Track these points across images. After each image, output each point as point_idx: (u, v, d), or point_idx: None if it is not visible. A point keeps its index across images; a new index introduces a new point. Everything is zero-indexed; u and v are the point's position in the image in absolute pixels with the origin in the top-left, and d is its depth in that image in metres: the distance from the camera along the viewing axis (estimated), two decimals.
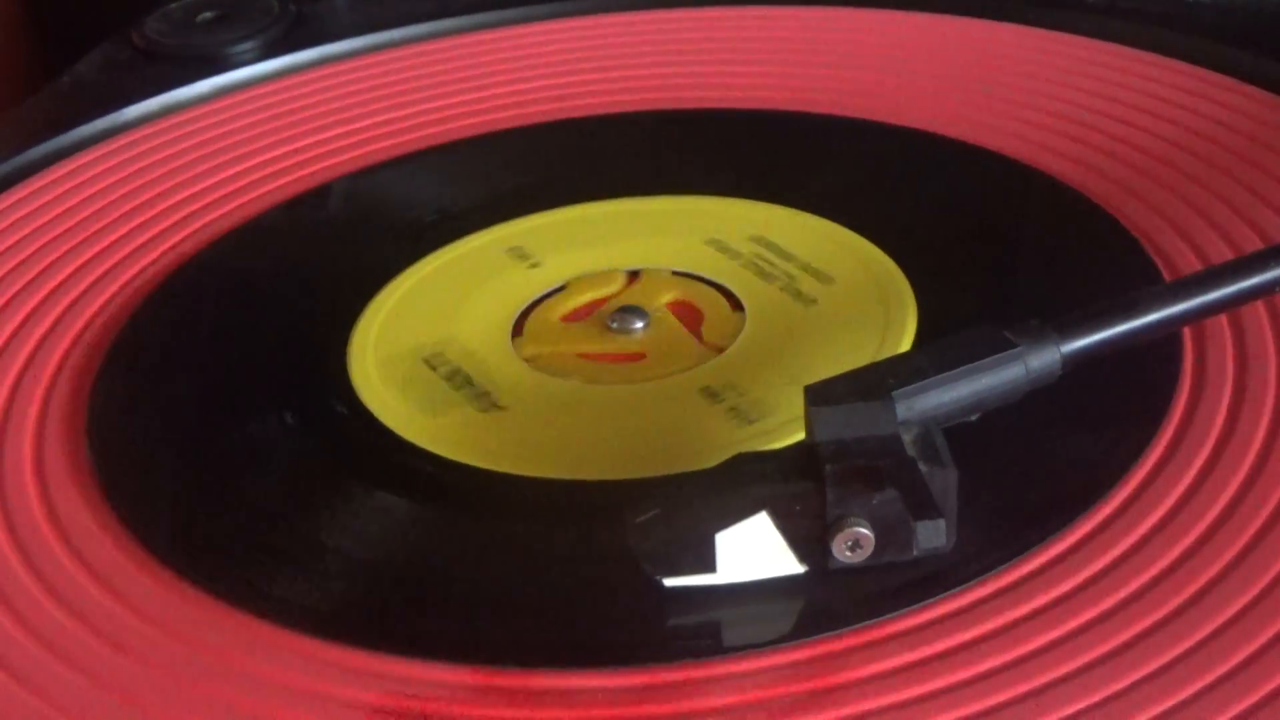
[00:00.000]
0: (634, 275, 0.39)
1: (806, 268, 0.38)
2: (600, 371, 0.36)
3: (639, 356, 0.36)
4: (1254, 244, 0.38)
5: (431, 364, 0.36)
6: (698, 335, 0.37)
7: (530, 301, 0.38)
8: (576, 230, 0.41)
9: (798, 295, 0.37)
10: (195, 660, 0.29)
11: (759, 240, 0.39)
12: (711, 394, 0.34)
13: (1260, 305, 0.35)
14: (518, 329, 0.37)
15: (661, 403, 0.34)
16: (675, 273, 0.39)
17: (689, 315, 0.38)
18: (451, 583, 0.30)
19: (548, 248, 0.40)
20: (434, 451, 0.33)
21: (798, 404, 0.29)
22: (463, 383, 0.36)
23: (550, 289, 0.39)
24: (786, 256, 0.39)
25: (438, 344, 0.37)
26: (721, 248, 0.39)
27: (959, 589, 0.29)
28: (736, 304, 0.38)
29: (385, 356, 0.37)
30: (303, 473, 0.34)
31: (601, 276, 0.39)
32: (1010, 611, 0.28)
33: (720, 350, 0.36)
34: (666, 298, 0.38)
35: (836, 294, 0.37)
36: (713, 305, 0.38)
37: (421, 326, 0.38)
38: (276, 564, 0.31)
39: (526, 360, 0.36)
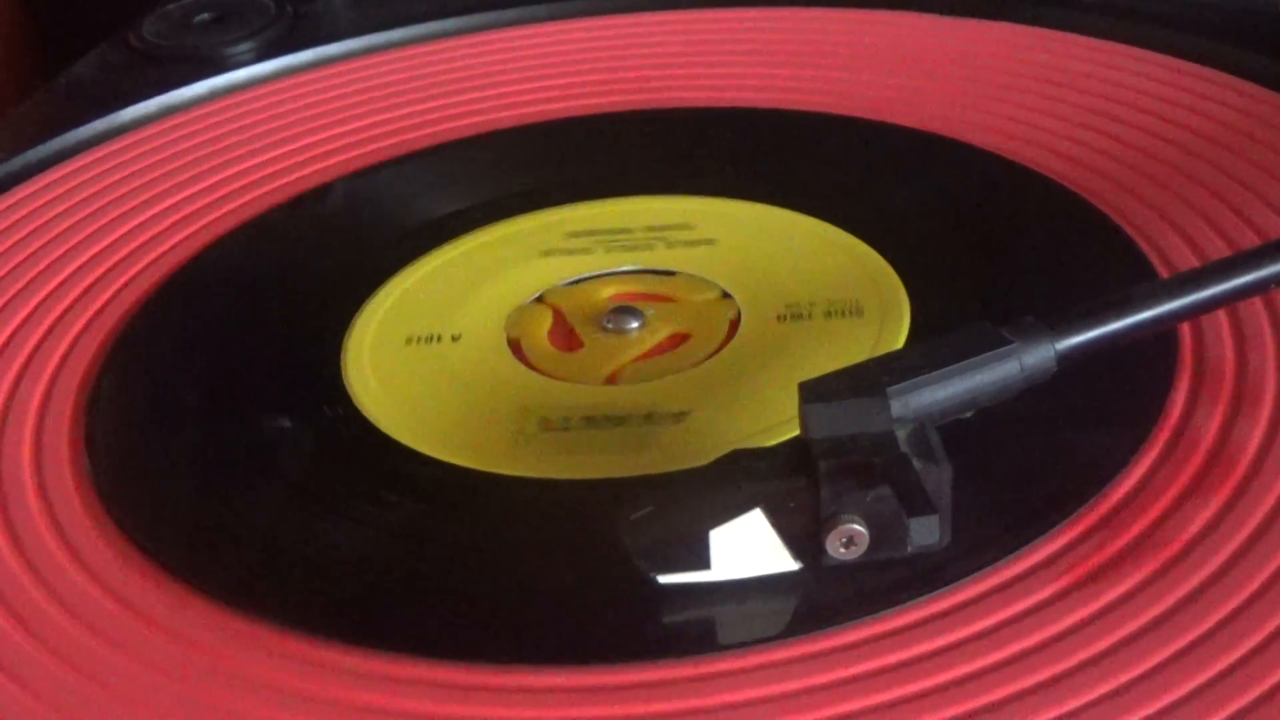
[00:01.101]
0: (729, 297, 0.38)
1: (799, 267, 0.38)
2: (541, 355, 0.36)
3: (579, 345, 0.37)
4: (1250, 240, 0.38)
5: (429, 366, 0.36)
6: (674, 352, 0.37)
7: (529, 299, 0.38)
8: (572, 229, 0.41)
9: (792, 294, 0.37)
10: (191, 661, 0.29)
11: (750, 239, 0.39)
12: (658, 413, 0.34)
13: (1259, 301, 0.35)
14: (511, 337, 0.37)
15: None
16: (726, 294, 0.38)
17: (674, 341, 0.37)
18: (446, 583, 0.30)
19: (541, 249, 0.40)
20: (429, 454, 0.33)
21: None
22: (461, 385, 0.36)
23: (546, 289, 0.39)
24: (778, 256, 0.39)
25: (435, 346, 0.37)
26: (759, 268, 0.39)
27: (954, 586, 0.29)
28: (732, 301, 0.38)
29: (384, 360, 0.37)
30: (299, 475, 0.34)
31: (703, 284, 0.39)
32: (1005, 609, 0.28)
33: (692, 368, 0.36)
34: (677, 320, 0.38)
35: (831, 292, 0.37)
36: (714, 322, 0.37)
37: (418, 328, 0.38)
38: (273, 565, 0.31)
39: (529, 366, 0.36)
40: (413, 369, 0.36)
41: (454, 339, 0.37)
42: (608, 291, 0.39)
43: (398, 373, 0.36)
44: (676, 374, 0.35)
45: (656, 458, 0.32)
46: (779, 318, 0.37)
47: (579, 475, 0.32)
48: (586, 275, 0.39)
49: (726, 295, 0.38)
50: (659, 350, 0.37)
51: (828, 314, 0.37)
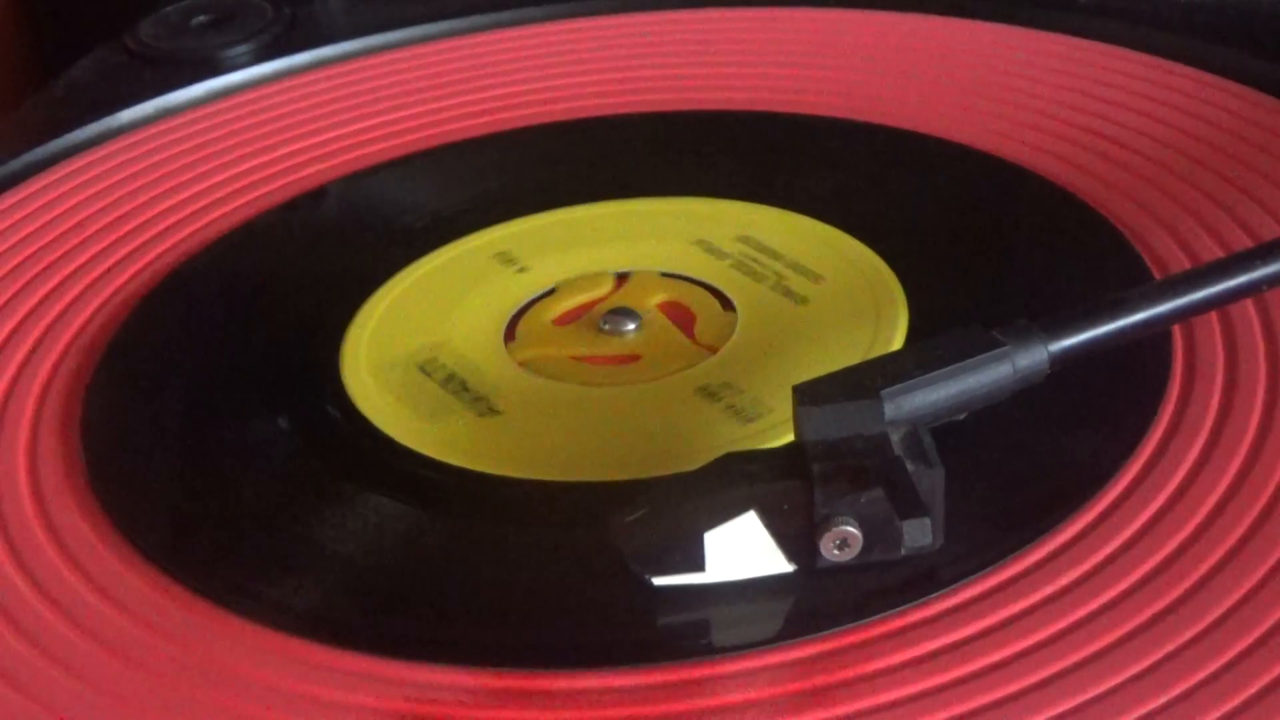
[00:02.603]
0: (623, 277, 0.39)
1: (795, 266, 0.38)
2: (595, 374, 0.36)
3: (634, 358, 0.36)
4: (1243, 242, 0.38)
5: (427, 370, 0.36)
6: (690, 335, 0.37)
7: (521, 305, 0.38)
8: (564, 233, 0.41)
9: (788, 293, 0.37)
10: (190, 664, 0.29)
11: (746, 240, 0.40)
12: (709, 393, 0.34)
13: (1250, 303, 0.35)
14: (510, 333, 0.37)
15: (659, 403, 0.34)
16: (664, 274, 0.39)
17: (680, 316, 0.38)
18: (445, 585, 0.30)
19: (535, 251, 0.40)
20: (427, 454, 0.33)
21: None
22: (458, 388, 0.36)
23: (539, 293, 0.39)
24: (775, 255, 0.39)
25: (431, 349, 0.37)
26: (709, 248, 0.40)
27: (949, 589, 0.29)
28: (727, 304, 0.38)
29: (380, 363, 0.37)
30: (296, 476, 0.34)
31: (590, 279, 0.39)
32: (1001, 611, 0.28)
33: (714, 350, 0.36)
34: (657, 299, 0.38)
35: (827, 292, 0.37)
36: (704, 305, 0.38)
37: (414, 331, 0.38)
38: (270, 568, 0.31)
39: (520, 364, 0.36)
40: (409, 367, 0.36)
41: (451, 337, 0.37)
42: (605, 292, 0.39)
43: (393, 371, 0.36)
44: (675, 375, 0.35)
45: (664, 459, 0.32)
46: (776, 316, 0.37)
47: (583, 478, 0.32)
48: (582, 275, 0.39)
49: (721, 296, 0.38)
50: (685, 324, 0.37)
51: (823, 313, 0.37)
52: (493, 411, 0.35)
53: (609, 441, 0.33)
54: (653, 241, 0.40)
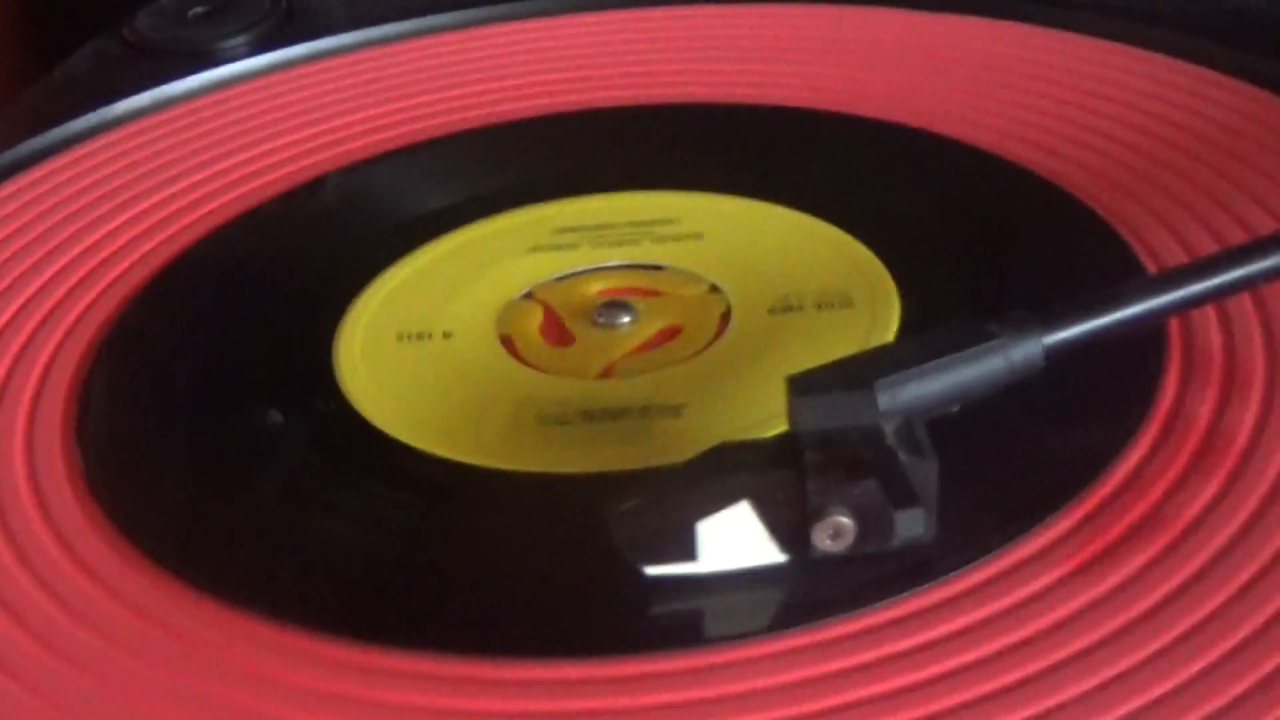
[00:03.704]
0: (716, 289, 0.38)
1: (821, 303, 0.37)
2: (534, 350, 0.36)
3: (571, 340, 0.37)
4: (1239, 237, 0.38)
5: (415, 328, 0.37)
6: (661, 347, 0.37)
7: (509, 303, 0.38)
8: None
9: (785, 323, 0.37)
10: (184, 655, 0.29)
11: (792, 266, 0.39)
12: (640, 407, 0.34)
13: (1246, 296, 0.35)
14: (503, 332, 0.37)
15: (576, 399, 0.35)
16: (714, 288, 0.38)
17: (671, 328, 0.37)
18: (438, 577, 0.30)
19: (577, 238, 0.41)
20: (419, 448, 0.33)
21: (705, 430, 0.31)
22: (428, 341, 0.36)
23: (520, 293, 0.39)
24: (801, 291, 0.38)
25: (434, 308, 0.38)
26: (754, 264, 0.39)
27: (943, 580, 0.29)
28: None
29: (372, 340, 0.37)
30: (292, 469, 0.34)
31: (691, 278, 0.39)
32: (995, 602, 0.28)
33: (676, 364, 0.36)
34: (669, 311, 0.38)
35: (820, 284, 0.37)
36: (703, 316, 0.37)
37: (415, 320, 0.38)
38: (266, 559, 0.31)
39: (523, 361, 0.36)
40: (405, 364, 0.36)
41: (446, 334, 0.37)
42: (596, 286, 0.39)
43: (390, 367, 0.36)
44: (671, 367, 0.35)
45: (653, 451, 0.32)
46: (769, 311, 0.37)
47: (575, 469, 0.32)
48: (575, 270, 0.39)
49: (715, 289, 0.38)
50: (651, 344, 0.37)
51: (818, 307, 0.37)
52: (488, 403, 0.35)
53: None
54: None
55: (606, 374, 0.36)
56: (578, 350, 0.37)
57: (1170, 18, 0.47)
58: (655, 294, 0.38)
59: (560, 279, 0.39)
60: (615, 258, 0.40)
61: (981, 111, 0.45)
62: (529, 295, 0.39)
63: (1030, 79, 0.46)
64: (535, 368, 0.36)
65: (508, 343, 0.37)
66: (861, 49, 0.48)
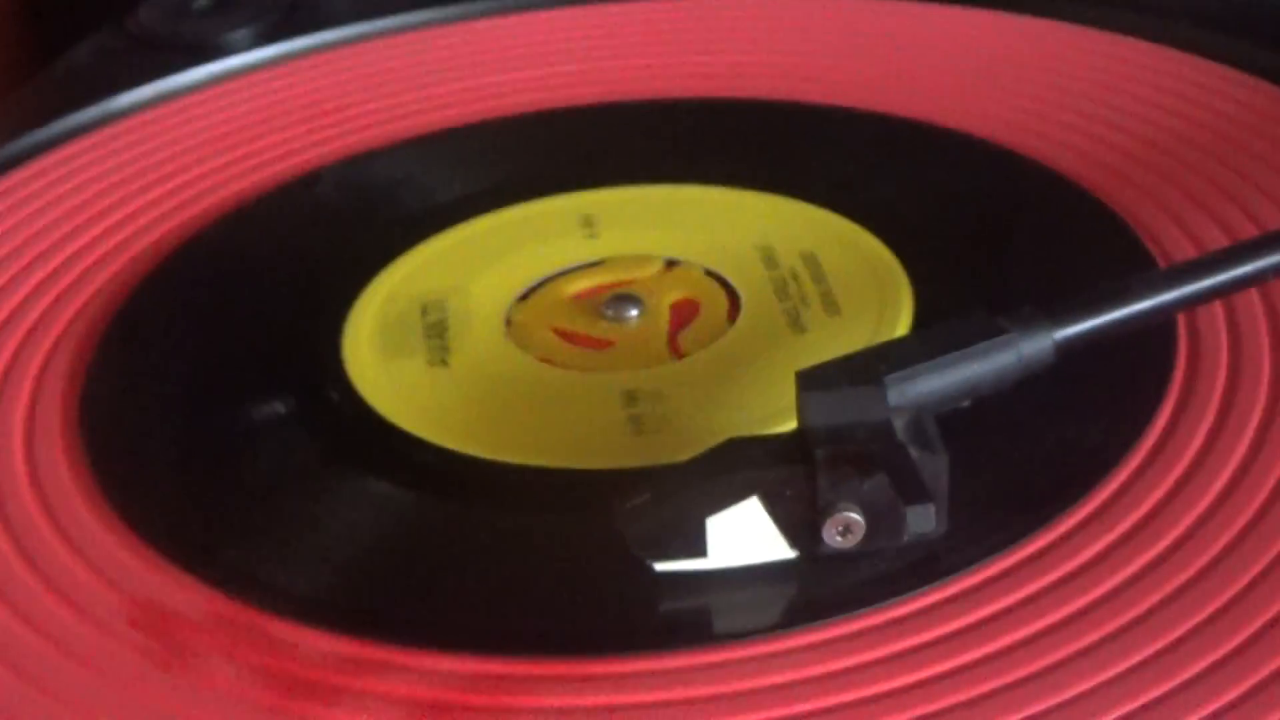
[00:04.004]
0: (671, 265, 0.39)
1: (826, 293, 0.37)
2: (560, 352, 0.36)
3: (606, 344, 0.36)
4: (1250, 232, 0.38)
5: (426, 310, 0.37)
6: (673, 338, 0.36)
7: (558, 271, 0.38)
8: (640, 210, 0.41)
9: (795, 322, 0.37)
10: (187, 646, 0.29)
11: (806, 258, 0.39)
12: (630, 398, 0.34)
13: (1254, 292, 0.35)
14: (526, 294, 0.38)
15: (580, 395, 0.34)
16: (707, 271, 0.39)
17: (682, 317, 0.37)
18: (445, 571, 0.30)
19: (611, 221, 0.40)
20: (426, 439, 0.33)
21: (702, 425, 0.31)
22: (435, 333, 0.36)
23: (585, 262, 0.39)
24: (818, 278, 0.38)
25: (445, 291, 0.37)
26: (768, 256, 0.39)
27: (954, 576, 0.29)
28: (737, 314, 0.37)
29: (391, 301, 0.37)
30: (298, 460, 0.34)
31: (639, 260, 0.39)
32: (1006, 597, 0.28)
33: (681, 357, 0.36)
34: (678, 294, 0.38)
35: (833, 327, 0.37)
36: (713, 311, 0.37)
37: (447, 274, 0.38)
38: (271, 552, 0.31)
39: (508, 324, 0.37)
40: (411, 356, 0.36)
41: (454, 325, 0.37)
42: (575, 287, 0.39)
43: (396, 360, 0.36)
44: (620, 372, 0.35)
45: (661, 447, 0.32)
46: (780, 306, 0.37)
47: (586, 464, 0.32)
48: (570, 266, 0.39)
49: (670, 263, 0.38)
50: (678, 323, 0.37)
51: (829, 301, 0.37)
52: (443, 364, 0.35)
53: (513, 420, 0.34)
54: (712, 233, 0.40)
55: (575, 364, 0.36)
56: (589, 341, 0.37)
57: (1183, 12, 0.47)
58: (684, 300, 0.38)
59: (616, 260, 0.39)
60: (621, 249, 0.40)
61: (993, 105, 0.45)
62: (579, 268, 0.39)
63: (1043, 73, 0.46)
64: (512, 338, 0.36)
65: (518, 334, 0.37)
66: (874, 42, 0.48)
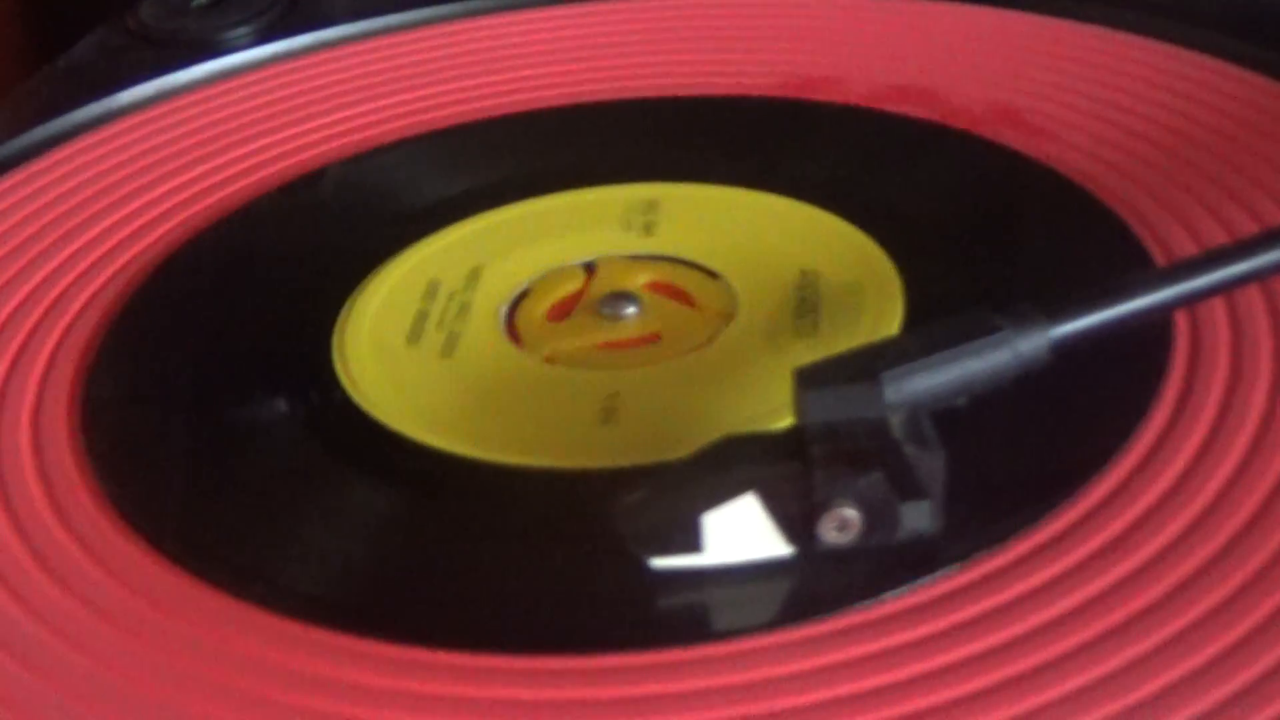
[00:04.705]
0: (590, 268, 0.39)
1: (821, 294, 0.37)
2: (558, 351, 0.36)
3: (602, 343, 0.36)
4: (1249, 228, 0.38)
5: (421, 310, 0.37)
6: (668, 337, 0.36)
7: (549, 270, 0.38)
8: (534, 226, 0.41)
9: (791, 320, 0.36)
10: (190, 641, 0.29)
11: (804, 266, 0.38)
12: (625, 397, 0.34)
13: (1256, 289, 0.35)
14: (515, 337, 0.37)
15: (576, 394, 0.34)
16: (633, 257, 0.39)
17: (679, 314, 0.37)
18: (439, 568, 0.30)
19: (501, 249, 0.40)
20: (425, 439, 0.33)
21: (699, 423, 0.31)
22: (434, 331, 0.36)
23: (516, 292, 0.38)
24: (814, 277, 0.38)
25: (443, 290, 0.38)
26: (763, 255, 0.39)
27: (950, 571, 0.29)
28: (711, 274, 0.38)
29: (376, 331, 0.37)
30: (295, 460, 0.34)
31: (559, 274, 0.39)
32: (1003, 594, 0.28)
33: (676, 356, 0.36)
34: (642, 279, 0.38)
35: (824, 275, 0.37)
36: (690, 278, 0.38)
37: (443, 273, 0.38)
38: (270, 549, 0.31)
39: (507, 322, 0.37)
40: (409, 356, 0.36)
41: (451, 325, 0.37)
42: (569, 287, 0.39)
43: (393, 359, 0.36)
44: (671, 361, 0.35)
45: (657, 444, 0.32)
46: (776, 303, 0.37)
47: (581, 463, 0.32)
48: (579, 260, 0.39)
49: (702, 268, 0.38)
50: (673, 322, 0.37)
51: (824, 299, 0.37)
52: (443, 364, 0.35)
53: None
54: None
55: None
56: (565, 331, 0.37)
57: (1180, 8, 0.47)
58: (656, 282, 0.38)
59: (540, 282, 0.39)
60: (624, 249, 0.40)
61: (989, 101, 0.44)
62: (534, 286, 0.38)
63: (1038, 68, 0.46)
64: (545, 360, 0.36)
65: (517, 332, 0.37)
66: (866, 38, 0.48)
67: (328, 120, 0.47)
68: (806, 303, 0.37)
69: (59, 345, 0.38)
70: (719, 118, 0.45)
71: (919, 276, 0.37)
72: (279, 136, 0.46)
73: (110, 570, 0.31)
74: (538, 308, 0.38)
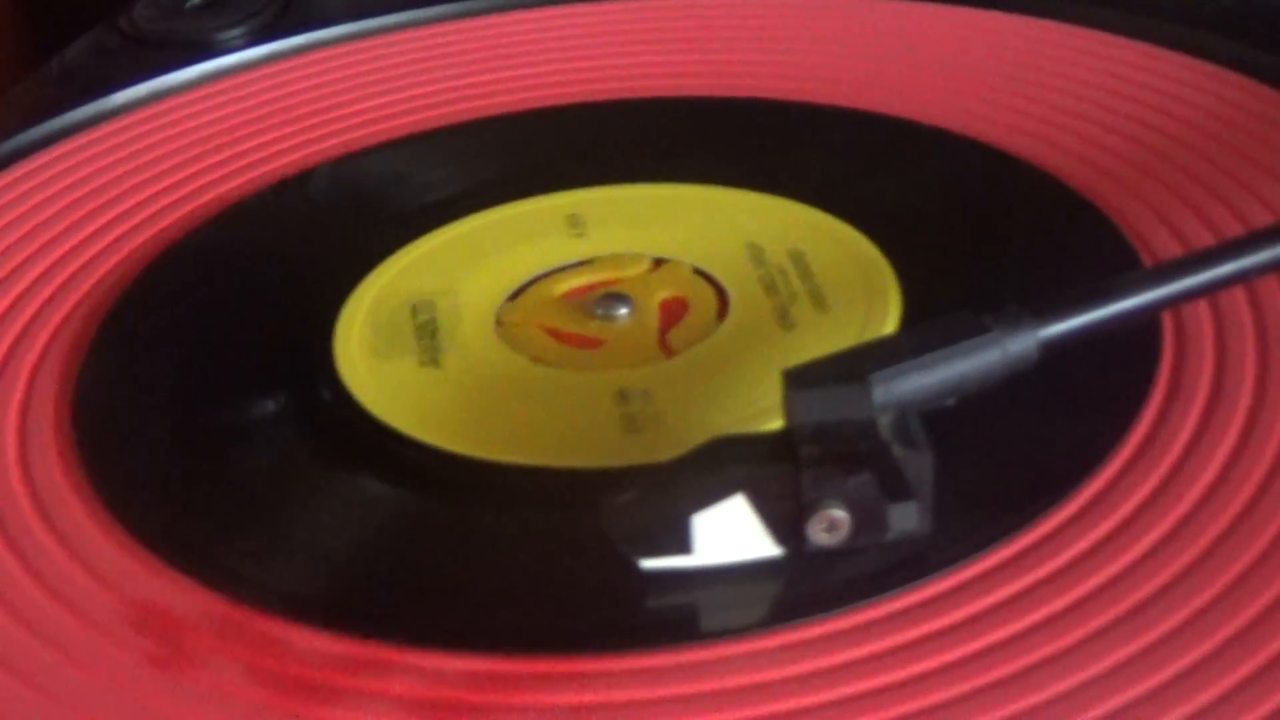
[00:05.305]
0: (659, 263, 0.39)
1: (813, 294, 0.37)
2: (551, 352, 0.36)
3: (596, 343, 0.36)
4: (1235, 230, 0.38)
5: (415, 310, 0.37)
6: (663, 336, 0.36)
7: (546, 270, 0.38)
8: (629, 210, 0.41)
9: (783, 320, 0.37)
10: (179, 645, 0.29)
11: (794, 255, 0.39)
12: (620, 396, 0.34)
13: (1239, 290, 0.35)
14: (516, 294, 0.38)
15: (571, 394, 0.34)
16: (696, 270, 0.39)
17: (672, 315, 0.37)
18: (435, 570, 0.30)
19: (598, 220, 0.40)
20: (418, 438, 0.33)
21: (692, 423, 0.31)
22: (426, 334, 0.36)
23: (574, 261, 0.39)
24: (806, 275, 0.38)
25: (435, 293, 0.37)
26: (756, 254, 0.39)
27: (939, 573, 0.29)
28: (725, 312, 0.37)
29: (372, 330, 0.37)
30: (289, 461, 0.34)
31: (626, 259, 0.39)
32: (993, 595, 0.28)
33: (671, 355, 0.36)
34: (666, 293, 0.38)
35: (822, 322, 0.37)
36: (701, 310, 0.37)
37: (435, 275, 0.38)
38: (264, 551, 0.31)
39: (498, 324, 0.37)
40: (404, 355, 0.36)
41: (446, 324, 0.37)
42: (564, 286, 0.39)
43: (389, 358, 0.36)
44: (612, 370, 0.35)
45: (647, 445, 0.32)
46: (768, 301, 0.37)
47: (575, 463, 0.32)
48: (564, 264, 0.39)
49: (659, 261, 0.38)
50: (668, 322, 0.37)
51: (817, 299, 0.37)
52: (434, 364, 0.35)
53: (504, 419, 0.34)
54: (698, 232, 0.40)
55: (565, 363, 0.36)
56: (579, 340, 0.37)
57: (1169, 10, 0.47)
58: (673, 299, 0.38)
59: (603, 259, 0.39)
60: (609, 247, 0.40)
61: (980, 103, 0.45)
62: (568, 267, 0.39)
63: (1028, 71, 0.46)
64: (505, 341, 0.36)
65: (508, 333, 0.37)
66: (860, 40, 0.48)
67: (321, 120, 0.47)
68: (795, 301, 0.37)
69: (49, 346, 0.38)
70: (710, 118, 0.45)
71: (913, 276, 0.37)
72: (272, 136, 0.46)
73: (102, 577, 0.31)
74: (536, 305, 0.38)
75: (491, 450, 0.33)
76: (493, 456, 0.33)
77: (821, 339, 0.35)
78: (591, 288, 0.38)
